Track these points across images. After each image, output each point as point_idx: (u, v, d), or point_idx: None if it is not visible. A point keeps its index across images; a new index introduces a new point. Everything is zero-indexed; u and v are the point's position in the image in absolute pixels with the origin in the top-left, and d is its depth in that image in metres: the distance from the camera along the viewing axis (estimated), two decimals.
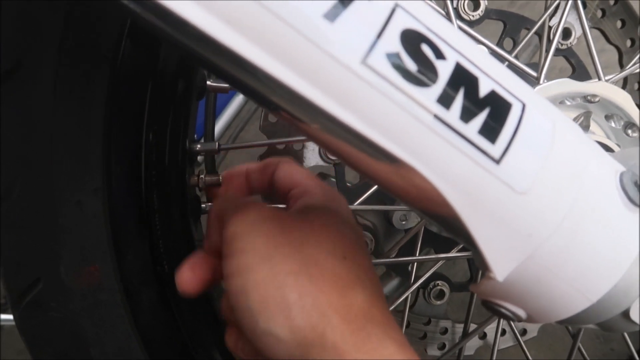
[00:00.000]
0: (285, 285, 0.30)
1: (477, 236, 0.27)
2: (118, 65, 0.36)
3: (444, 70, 0.24)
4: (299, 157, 0.57)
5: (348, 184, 0.59)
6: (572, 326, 0.60)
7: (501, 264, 0.28)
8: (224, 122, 1.00)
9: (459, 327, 0.67)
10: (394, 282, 0.67)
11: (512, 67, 0.49)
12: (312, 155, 0.57)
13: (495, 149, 0.25)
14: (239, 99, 0.89)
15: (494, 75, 0.26)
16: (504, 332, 0.65)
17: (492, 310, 0.32)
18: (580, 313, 0.30)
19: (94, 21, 0.35)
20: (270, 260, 0.30)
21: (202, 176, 0.43)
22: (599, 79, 0.47)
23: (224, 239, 0.33)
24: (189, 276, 0.35)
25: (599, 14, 0.64)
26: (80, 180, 0.36)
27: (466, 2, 0.57)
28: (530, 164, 0.26)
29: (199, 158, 0.56)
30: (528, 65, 0.63)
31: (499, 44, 0.61)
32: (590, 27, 0.64)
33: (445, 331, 0.67)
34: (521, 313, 0.31)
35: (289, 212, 0.35)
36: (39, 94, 0.35)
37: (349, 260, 0.32)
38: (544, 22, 0.55)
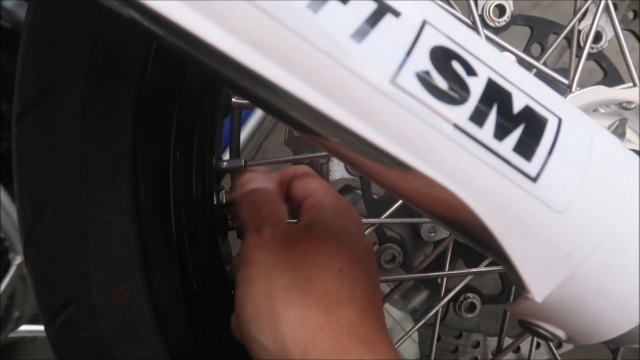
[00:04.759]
0: (276, 299, 0.32)
1: (514, 256, 0.26)
2: (145, 86, 0.36)
3: (476, 87, 0.24)
4: (324, 171, 0.56)
5: (375, 196, 0.58)
6: (614, 346, 0.58)
7: (539, 284, 0.27)
8: (247, 132, 1.01)
9: (491, 341, 0.66)
10: (423, 295, 0.66)
11: (541, 74, 0.48)
12: (338, 168, 0.57)
13: (532, 167, 0.24)
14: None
15: (527, 90, 0.25)
16: (538, 345, 0.63)
17: (530, 331, 0.31)
18: (624, 334, 0.28)
19: (120, 43, 0.35)
20: (268, 275, 0.33)
21: (223, 192, 0.43)
22: (634, 84, 0.46)
23: (241, 250, 0.36)
24: None
25: (630, 15, 0.62)
26: (109, 201, 0.36)
27: (492, 8, 0.55)
28: (569, 181, 0.25)
29: None
30: (556, 70, 0.62)
31: (527, 50, 0.59)
32: (622, 29, 0.62)
33: (477, 345, 0.65)
34: (561, 334, 0.30)
35: (297, 228, 0.37)
36: (68, 116, 0.35)
37: (344, 273, 0.33)
38: (573, 27, 0.53)
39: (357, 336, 0.31)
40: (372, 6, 0.23)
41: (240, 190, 0.41)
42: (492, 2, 0.55)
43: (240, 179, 0.41)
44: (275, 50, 0.22)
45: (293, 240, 0.35)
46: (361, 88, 0.22)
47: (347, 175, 0.57)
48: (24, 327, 1.01)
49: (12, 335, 1.02)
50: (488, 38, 0.45)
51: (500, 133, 0.24)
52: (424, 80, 0.23)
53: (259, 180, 0.41)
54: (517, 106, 0.24)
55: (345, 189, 0.65)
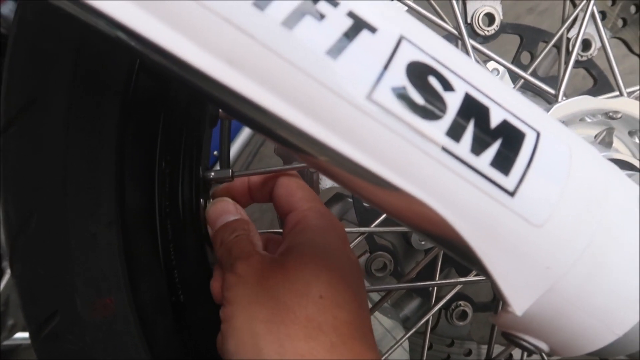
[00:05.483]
0: (257, 333, 0.32)
1: (494, 270, 0.26)
2: (130, 97, 0.36)
3: (453, 102, 0.24)
4: (315, 179, 0.56)
5: (365, 205, 0.58)
6: (600, 357, 0.58)
7: (520, 298, 0.27)
8: (243, 138, 1.01)
9: (484, 348, 0.65)
10: (414, 303, 0.66)
11: (528, 84, 0.48)
12: None
13: (509, 181, 0.24)
14: None
15: (505, 104, 0.25)
16: (530, 353, 0.63)
17: (514, 343, 0.31)
18: (606, 347, 0.28)
19: (104, 55, 0.35)
20: (248, 310, 0.33)
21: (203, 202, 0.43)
22: (620, 93, 0.46)
23: (222, 289, 0.36)
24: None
25: (620, 23, 0.62)
26: (94, 213, 0.36)
27: (481, 17, 0.56)
28: (547, 195, 0.25)
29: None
30: (547, 78, 0.62)
31: (516, 58, 0.60)
32: (611, 37, 0.62)
33: (469, 353, 0.65)
34: (543, 346, 0.30)
35: (274, 257, 0.36)
36: (52, 128, 0.35)
37: (325, 299, 0.33)
38: (562, 35, 0.53)
39: None
40: (348, 22, 0.23)
41: (212, 227, 0.41)
42: (481, 10, 0.56)
43: (210, 215, 0.41)
44: (251, 66, 0.22)
45: (269, 270, 0.34)
46: (337, 104, 0.22)
47: (337, 184, 0.57)
48: (20, 335, 1.01)
49: (7, 342, 1.01)
50: (475, 48, 0.45)
51: (478, 148, 0.24)
52: (400, 95, 0.23)
53: (228, 212, 0.40)
54: (495, 121, 0.24)
55: (336, 197, 0.65)
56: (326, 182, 0.57)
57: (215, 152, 0.73)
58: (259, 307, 0.33)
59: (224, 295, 0.36)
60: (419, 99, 0.23)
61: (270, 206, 0.42)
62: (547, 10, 1.34)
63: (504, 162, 0.24)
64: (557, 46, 0.56)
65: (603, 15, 0.60)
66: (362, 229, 0.53)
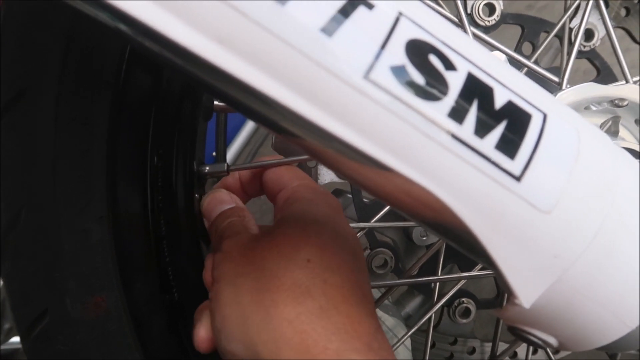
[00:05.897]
0: (243, 303, 0.30)
1: (499, 260, 0.24)
2: (120, 90, 0.35)
3: (455, 81, 0.22)
4: (313, 174, 0.55)
5: (365, 200, 0.57)
6: (610, 352, 0.57)
7: (527, 289, 0.25)
8: (243, 138, 1.00)
9: (488, 346, 0.64)
10: (416, 301, 0.65)
11: (531, 72, 0.47)
12: (327, 172, 0.56)
13: (515, 165, 0.23)
14: None
15: (510, 85, 0.24)
16: (535, 350, 0.62)
17: (520, 338, 0.29)
18: (618, 340, 0.27)
19: (94, 46, 0.34)
20: (234, 283, 0.32)
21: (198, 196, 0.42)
22: (626, 81, 0.45)
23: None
24: (206, 334, 0.34)
25: (623, 12, 0.61)
26: (85, 208, 0.35)
27: (481, 7, 0.54)
28: (555, 180, 0.24)
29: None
30: (550, 69, 0.61)
31: (518, 48, 0.58)
32: (614, 27, 0.61)
33: (473, 351, 0.64)
34: (552, 340, 0.28)
35: (262, 232, 0.35)
36: (41, 121, 0.34)
37: (313, 263, 0.31)
38: (564, 24, 0.52)
39: (332, 327, 0.29)
40: None
41: (208, 220, 0.40)
42: (481, 0, 0.54)
43: (205, 207, 0.40)
44: (242, 45, 0.21)
45: (256, 242, 0.33)
46: (332, 84, 0.21)
47: (336, 179, 0.56)
48: (18, 339, 1.00)
49: (4, 347, 1.00)
50: (476, 37, 0.44)
51: (482, 130, 0.23)
52: (400, 75, 0.22)
53: (223, 202, 0.39)
54: (499, 102, 0.23)
55: (335, 193, 0.64)
56: (325, 177, 0.55)
57: (213, 154, 0.72)
58: (244, 278, 0.31)
59: (212, 275, 0.34)
60: (419, 78, 0.22)
61: (270, 207, 0.41)
62: (547, 6, 1.33)
63: (509, 145, 0.23)
64: (559, 36, 0.55)
65: (606, 4, 0.59)
66: (362, 224, 0.52)
